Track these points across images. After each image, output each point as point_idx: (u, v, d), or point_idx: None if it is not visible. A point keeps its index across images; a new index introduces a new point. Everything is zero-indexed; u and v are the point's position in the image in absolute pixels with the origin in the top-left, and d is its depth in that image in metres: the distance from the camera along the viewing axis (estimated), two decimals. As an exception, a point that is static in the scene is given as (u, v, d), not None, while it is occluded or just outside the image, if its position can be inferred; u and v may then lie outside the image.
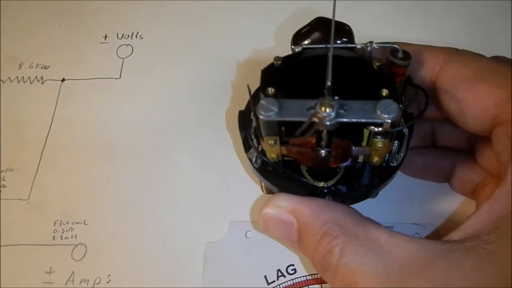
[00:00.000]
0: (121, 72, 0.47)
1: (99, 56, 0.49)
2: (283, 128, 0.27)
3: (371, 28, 0.44)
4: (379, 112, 0.24)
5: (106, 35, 0.50)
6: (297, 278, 0.37)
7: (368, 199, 0.35)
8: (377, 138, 0.26)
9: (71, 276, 0.37)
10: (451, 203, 0.38)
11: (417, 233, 0.38)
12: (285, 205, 0.29)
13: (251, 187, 0.40)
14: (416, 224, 0.38)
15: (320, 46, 0.30)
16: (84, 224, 0.39)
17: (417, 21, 0.48)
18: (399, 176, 0.38)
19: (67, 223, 0.39)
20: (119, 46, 0.49)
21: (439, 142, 0.38)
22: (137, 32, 0.50)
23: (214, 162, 0.42)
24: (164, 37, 0.49)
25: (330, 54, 0.26)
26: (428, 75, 0.31)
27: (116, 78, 0.47)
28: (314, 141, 0.27)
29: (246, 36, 0.48)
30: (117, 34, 0.50)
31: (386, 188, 0.37)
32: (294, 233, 0.29)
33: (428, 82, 0.32)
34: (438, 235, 0.37)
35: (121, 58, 0.48)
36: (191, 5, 0.51)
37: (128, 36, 0.50)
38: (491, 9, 0.48)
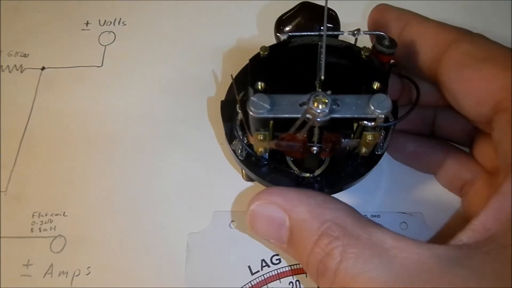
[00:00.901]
0: (103, 60, 0.46)
1: (80, 44, 0.47)
2: (272, 122, 0.27)
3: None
4: (372, 108, 0.24)
5: (87, 21, 0.48)
6: (282, 268, 0.37)
7: (354, 186, 0.36)
8: (368, 131, 0.26)
9: (49, 268, 0.37)
10: (438, 192, 0.38)
11: (404, 221, 0.38)
12: (277, 201, 0.26)
13: (235, 177, 0.39)
14: (403, 213, 0.38)
15: (308, 34, 0.30)
16: (64, 215, 0.38)
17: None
18: (386, 164, 0.39)
19: (46, 215, 0.39)
20: (101, 33, 0.47)
21: (438, 131, 0.37)
22: (120, 19, 0.48)
23: (197, 152, 0.41)
24: (148, 24, 0.48)
25: (323, 46, 0.25)
26: (435, 51, 0.29)
27: (97, 66, 0.45)
28: (305, 136, 0.26)
29: (228, 23, 0.47)
30: (99, 20, 0.48)
31: (373, 177, 0.38)
32: (285, 232, 0.26)
33: (433, 59, 0.30)
34: (441, 236, 0.36)
35: (103, 45, 0.47)
36: None
37: (111, 22, 0.48)
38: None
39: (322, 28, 0.29)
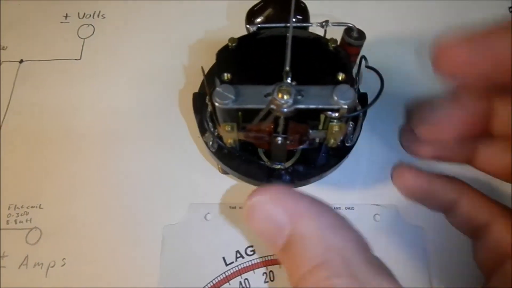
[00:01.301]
0: (81, 53, 0.46)
1: (59, 37, 0.46)
2: (239, 113, 0.27)
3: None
4: (336, 98, 0.24)
5: (66, 14, 0.48)
6: (256, 259, 0.37)
7: (328, 179, 0.36)
8: (333, 122, 0.26)
9: (24, 260, 0.37)
10: None
11: (377, 213, 0.38)
12: (287, 205, 0.22)
13: (210, 169, 0.39)
14: (377, 205, 0.38)
15: (276, 25, 0.30)
16: (40, 208, 0.38)
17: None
18: (359, 157, 0.39)
19: (21, 207, 0.38)
20: (80, 26, 0.47)
21: (478, 163, 0.32)
22: (99, 12, 0.48)
23: (173, 145, 0.41)
24: (126, 17, 0.47)
25: (290, 37, 0.26)
26: None
27: (76, 59, 0.45)
28: (271, 127, 0.26)
29: (201, 15, 0.47)
30: (78, 13, 0.48)
31: (348, 170, 0.38)
32: (282, 239, 0.22)
33: None
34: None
35: (82, 38, 0.46)
36: None
37: (90, 15, 0.48)
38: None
39: (292, 19, 0.29)
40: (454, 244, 0.36)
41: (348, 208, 0.38)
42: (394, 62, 0.44)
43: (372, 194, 0.39)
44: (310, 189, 0.39)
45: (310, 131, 0.27)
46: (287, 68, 0.25)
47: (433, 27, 0.45)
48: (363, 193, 0.39)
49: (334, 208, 0.37)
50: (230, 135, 0.28)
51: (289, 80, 0.25)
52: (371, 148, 0.40)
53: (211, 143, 0.32)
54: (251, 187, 0.36)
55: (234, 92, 0.25)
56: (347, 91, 0.24)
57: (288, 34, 0.26)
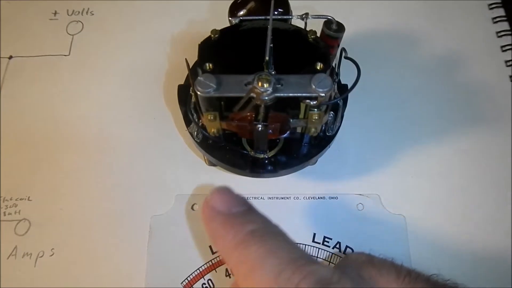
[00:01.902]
0: (70, 49, 0.46)
1: (48, 33, 0.47)
2: (222, 103, 0.28)
3: None
4: (313, 86, 0.25)
5: (55, 11, 0.48)
6: None
7: (312, 170, 0.37)
8: (313, 110, 0.27)
9: (13, 250, 0.37)
10: (394, 175, 0.40)
11: (360, 203, 0.39)
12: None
13: (196, 161, 0.40)
14: (360, 194, 0.39)
15: (257, 18, 0.31)
16: (28, 200, 0.39)
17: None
18: (341, 147, 0.40)
19: (10, 199, 0.39)
20: (69, 23, 0.47)
21: None
22: (88, 9, 0.48)
23: (159, 138, 0.41)
24: (114, 13, 0.48)
25: (269, 29, 0.26)
26: None
27: (65, 55, 0.46)
28: (252, 115, 0.27)
29: (185, 9, 0.47)
30: (67, 10, 0.48)
31: (330, 160, 0.38)
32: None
33: None
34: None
35: (70, 34, 0.47)
36: None
37: (79, 12, 0.48)
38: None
39: (274, 12, 0.30)
40: (433, 232, 0.37)
41: (332, 198, 0.39)
42: (376, 56, 0.45)
43: (355, 185, 0.39)
44: (294, 180, 0.40)
45: (291, 120, 0.28)
46: (267, 58, 0.26)
47: (415, 22, 0.46)
48: (346, 184, 0.39)
49: (318, 198, 0.38)
50: (213, 125, 0.28)
51: (270, 70, 0.26)
52: (354, 140, 0.41)
53: (195, 133, 0.32)
54: (237, 178, 0.37)
55: (215, 81, 0.25)
56: (325, 80, 0.25)
57: (268, 26, 0.27)
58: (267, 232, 0.24)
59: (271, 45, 0.27)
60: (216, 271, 0.36)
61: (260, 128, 0.27)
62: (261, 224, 0.24)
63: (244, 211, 0.25)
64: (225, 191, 0.26)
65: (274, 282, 0.21)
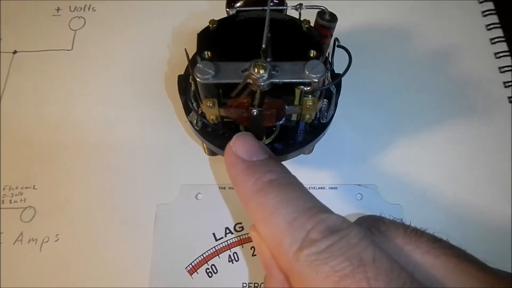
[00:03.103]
0: (73, 43, 0.47)
1: (51, 29, 0.48)
2: (220, 90, 0.29)
3: None
4: (307, 72, 0.26)
5: (58, 7, 0.50)
6: (244, 234, 0.38)
7: (311, 160, 0.38)
8: (307, 97, 0.28)
9: (19, 236, 0.38)
10: (392, 165, 0.41)
11: (359, 193, 0.40)
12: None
13: (200, 152, 0.41)
14: (358, 185, 0.40)
15: (254, 8, 0.32)
16: (34, 188, 0.40)
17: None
18: (340, 138, 0.41)
19: (16, 188, 0.40)
20: (72, 19, 0.49)
21: None
22: (90, 5, 0.50)
23: (162, 128, 0.43)
24: (115, 9, 0.49)
25: (267, 19, 0.28)
26: None
27: (68, 50, 0.47)
28: (249, 102, 0.28)
29: (185, 2, 0.49)
30: (70, 6, 0.50)
31: (328, 151, 0.40)
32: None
33: None
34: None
35: (73, 30, 0.48)
36: None
37: (81, 8, 0.50)
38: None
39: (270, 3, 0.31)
40: (431, 221, 0.37)
41: (332, 188, 0.40)
42: (371, 50, 0.46)
43: (354, 175, 0.41)
44: (294, 169, 0.40)
45: (286, 106, 0.29)
46: (263, 46, 0.27)
47: (408, 17, 0.48)
48: (345, 174, 0.41)
49: (319, 188, 0.40)
50: (212, 111, 0.30)
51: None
52: (351, 131, 0.42)
53: (195, 122, 0.34)
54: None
55: (213, 68, 0.27)
56: (318, 66, 0.26)
57: (266, 16, 0.28)
58: (285, 181, 0.26)
59: (269, 34, 0.28)
60: (219, 257, 0.38)
61: (255, 113, 0.28)
62: (279, 174, 0.26)
63: (264, 160, 0.27)
64: (247, 138, 0.28)
65: (289, 227, 0.23)
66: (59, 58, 0.46)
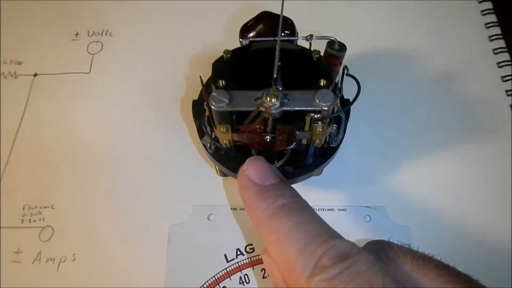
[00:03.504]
0: (91, 67, 0.49)
1: (70, 52, 0.50)
2: (234, 116, 0.30)
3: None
4: (317, 101, 0.27)
5: (77, 32, 0.51)
6: (255, 256, 0.39)
7: (320, 182, 0.39)
8: (317, 123, 0.29)
9: (38, 255, 0.39)
10: (399, 186, 0.41)
11: (368, 214, 0.40)
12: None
13: (212, 173, 0.42)
14: (367, 206, 0.41)
15: (266, 39, 0.33)
16: (52, 208, 0.41)
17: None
18: (349, 160, 0.42)
19: (35, 207, 0.41)
20: (90, 43, 0.51)
21: None
22: (107, 30, 0.52)
23: (176, 150, 0.44)
24: (132, 34, 0.51)
25: (277, 50, 0.29)
26: None
27: (86, 73, 0.49)
28: (261, 128, 0.29)
29: (200, 30, 0.50)
30: (88, 31, 0.52)
31: (339, 173, 0.40)
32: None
33: None
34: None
35: (91, 54, 0.50)
36: (155, 5, 0.53)
37: (99, 33, 0.51)
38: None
39: (281, 34, 0.33)
40: (438, 243, 0.39)
41: (341, 209, 0.41)
42: (379, 72, 0.47)
43: (362, 196, 0.41)
44: (303, 191, 0.41)
45: (297, 132, 0.30)
46: (274, 75, 0.28)
47: (415, 40, 0.49)
48: (354, 195, 0.41)
49: (328, 210, 0.40)
50: (225, 136, 0.31)
51: (277, 86, 0.29)
52: (359, 153, 0.43)
53: (209, 145, 0.35)
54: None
55: (228, 96, 0.28)
56: (327, 95, 0.27)
57: (276, 46, 0.30)
58: (296, 206, 0.27)
59: (279, 63, 0.29)
60: (230, 279, 0.38)
61: (268, 139, 0.29)
62: (291, 198, 0.27)
63: (276, 184, 0.28)
64: (260, 162, 0.29)
65: (300, 253, 0.24)
66: (77, 81, 0.48)
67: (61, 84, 0.48)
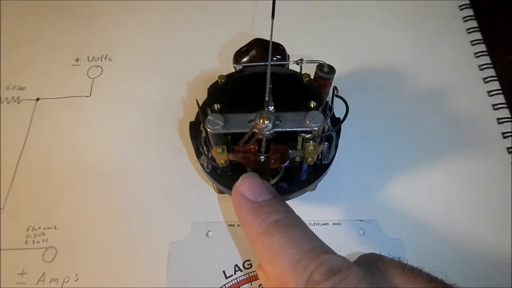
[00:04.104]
0: (91, 90, 0.51)
1: (71, 77, 0.52)
2: (229, 137, 0.32)
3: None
4: (308, 122, 0.29)
5: (78, 58, 0.53)
6: (252, 272, 0.40)
7: (314, 197, 0.40)
8: (309, 142, 0.31)
9: (42, 276, 0.40)
10: (392, 200, 0.42)
11: (361, 228, 0.41)
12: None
13: (210, 191, 0.43)
14: (360, 220, 0.41)
15: (258, 64, 0.35)
16: (55, 229, 0.42)
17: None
18: (342, 175, 0.43)
19: (38, 228, 0.42)
20: (90, 68, 0.52)
21: None
22: (107, 55, 0.53)
23: (174, 170, 0.45)
24: (131, 59, 0.53)
25: (268, 74, 0.30)
26: None
27: (86, 96, 0.50)
28: (256, 148, 0.31)
29: (195, 56, 0.52)
30: (88, 57, 0.53)
31: (331, 189, 0.42)
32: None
33: None
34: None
35: (91, 78, 0.52)
36: (154, 32, 0.55)
37: (98, 58, 0.53)
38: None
39: (273, 58, 0.34)
40: (430, 255, 0.39)
41: (335, 224, 0.41)
42: (369, 89, 0.49)
43: (356, 210, 0.42)
44: (298, 206, 0.42)
45: (290, 151, 0.32)
46: (267, 98, 0.30)
47: (403, 58, 0.51)
48: (347, 209, 0.42)
49: (322, 224, 0.41)
50: (221, 156, 0.32)
51: (270, 108, 0.30)
52: (351, 169, 0.44)
53: (206, 164, 0.36)
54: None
55: (223, 119, 0.29)
56: (317, 116, 0.29)
57: (267, 71, 0.31)
58: (288, 222, 0.27)
59: (270, 86, 0.31)
60: (229, 295, 0.39)
61: (262, 159, 0.31)
62: (283, 214, 0.28)
63: (269, 200, 0.29)
64: (253, 179, 0.30)
65: (293, 269, 0.25)
66: (78, 104, 0.49)
67: (62, 108, 0.49)
